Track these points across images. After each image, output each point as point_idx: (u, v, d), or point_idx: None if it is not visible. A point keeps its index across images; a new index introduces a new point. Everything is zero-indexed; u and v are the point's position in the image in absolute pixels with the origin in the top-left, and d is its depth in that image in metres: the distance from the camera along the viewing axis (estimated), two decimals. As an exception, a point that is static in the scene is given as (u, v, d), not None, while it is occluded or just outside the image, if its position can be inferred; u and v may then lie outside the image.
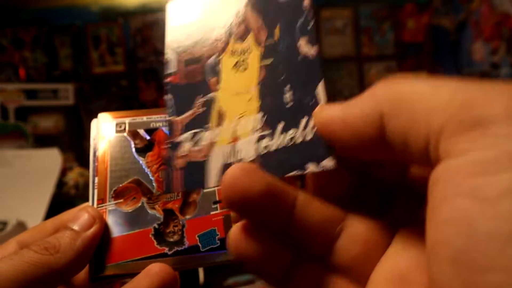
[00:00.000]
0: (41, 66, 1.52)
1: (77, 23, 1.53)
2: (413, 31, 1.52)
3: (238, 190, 0.17)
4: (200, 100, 0.23)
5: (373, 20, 1.53)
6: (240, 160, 0.21)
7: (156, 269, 0.22)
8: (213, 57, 0.24)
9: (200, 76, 0.24)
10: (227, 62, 0.24)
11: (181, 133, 0.23)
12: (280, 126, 0.21)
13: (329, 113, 0.18)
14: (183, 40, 0.25)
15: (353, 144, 0.18)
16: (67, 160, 1.21)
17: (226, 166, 0.21)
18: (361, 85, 1.52)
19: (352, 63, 1.53)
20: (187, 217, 0.25)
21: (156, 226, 0.25)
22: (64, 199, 1.02)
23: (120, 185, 0.26)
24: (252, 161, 0.21)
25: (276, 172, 0.20)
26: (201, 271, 0.60)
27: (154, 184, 0.26)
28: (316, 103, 0.20)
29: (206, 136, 0.22)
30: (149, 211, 0.26)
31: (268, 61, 0.23)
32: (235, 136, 0.22)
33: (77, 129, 1.35)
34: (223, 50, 0.24)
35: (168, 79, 0.24)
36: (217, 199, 0.26)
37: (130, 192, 0.26)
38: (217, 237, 0.25)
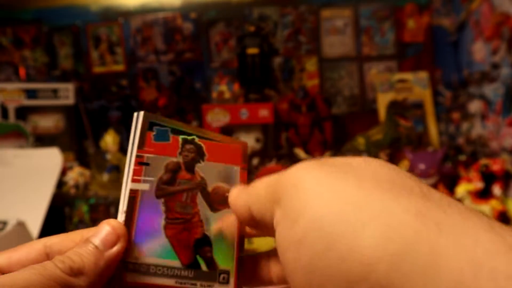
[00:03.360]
0: (41, 65, 1.52)
1: (77, 23, 1.52)
2: (413, 31, 1.52)
3: None
4: None
5: (373, 20, 1.52)
6: None
7: None
8: None
9: None
10: None
11: None
12: None
13: None
14: None
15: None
16: (67, 160, 1.21)
17: None
18: (361, 85, 1.52)
19: (352, 63, 1.53)
20: None
21: None
22: (64, 198, 1.02)
23: None
24: None
25: None
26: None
27: None
28: None
29: None
30: None
31: None
32: None
33: (77, 128, 1.35)
34: None
35: None
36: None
37: None
38: None
